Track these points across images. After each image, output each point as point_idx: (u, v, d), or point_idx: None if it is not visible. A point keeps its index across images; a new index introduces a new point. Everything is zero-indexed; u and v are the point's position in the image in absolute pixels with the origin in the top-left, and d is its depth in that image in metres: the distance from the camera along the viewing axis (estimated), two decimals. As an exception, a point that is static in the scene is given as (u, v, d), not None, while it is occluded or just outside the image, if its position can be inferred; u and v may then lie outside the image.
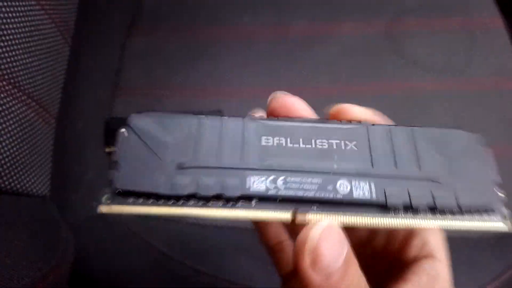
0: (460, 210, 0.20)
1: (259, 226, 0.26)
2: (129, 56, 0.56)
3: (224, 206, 0.19)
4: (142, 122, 0.21)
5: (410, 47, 0.56)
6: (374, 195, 0.19)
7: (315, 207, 0.20)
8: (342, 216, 0.19)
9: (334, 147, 0.21)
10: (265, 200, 0.20)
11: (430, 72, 0.54)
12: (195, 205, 0.19)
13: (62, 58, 0.44)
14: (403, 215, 0.20)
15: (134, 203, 0.19)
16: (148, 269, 0.44)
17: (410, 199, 0.19)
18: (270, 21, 0.57)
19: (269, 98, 0.24)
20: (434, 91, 0.53)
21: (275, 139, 0.21)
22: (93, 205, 0.19)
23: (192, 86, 0.54)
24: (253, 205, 0.20)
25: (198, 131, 0.21)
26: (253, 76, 0.54)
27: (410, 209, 0.20)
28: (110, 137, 0.51)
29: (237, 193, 0.19)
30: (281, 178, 0.20)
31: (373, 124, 0.22)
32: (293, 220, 0.20)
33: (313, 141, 0.21)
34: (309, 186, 0.20)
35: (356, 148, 0.21)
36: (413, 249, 0.23)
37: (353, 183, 0.20)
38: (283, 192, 0.19)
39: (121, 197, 0.19)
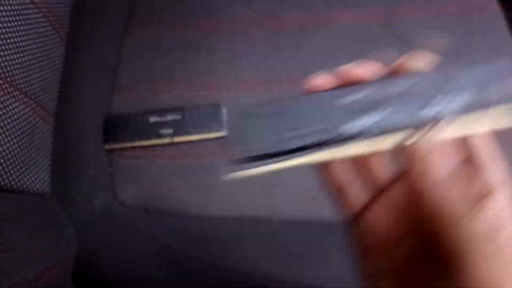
0: None
1: (326, 168, 0.27)
2: (126, 52, 0.55)
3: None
4: None
5: (408, 33, 0.55)
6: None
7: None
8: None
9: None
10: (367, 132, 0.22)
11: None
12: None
13: (58, 56, 0.44)
14: None
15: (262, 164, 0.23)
16: (153, 262, 0.45)
17: None
18: (265, 12, 0.57)
19: (309, 84, 0.26)
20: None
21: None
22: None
23: (190, 80, 0.54)
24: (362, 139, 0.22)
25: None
26: (250, 68, 0.54)
27: None
28: (110, 134, 0.51)
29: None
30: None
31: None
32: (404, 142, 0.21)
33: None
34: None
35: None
36: None
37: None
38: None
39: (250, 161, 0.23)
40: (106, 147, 0.51)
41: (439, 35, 0.55)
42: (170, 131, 0.50)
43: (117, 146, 0.51)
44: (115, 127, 0.51)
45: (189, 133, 0.50)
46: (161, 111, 0.51)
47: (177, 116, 0.51)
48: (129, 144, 0.50)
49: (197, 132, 0.50)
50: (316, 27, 0.56)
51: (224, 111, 0.51)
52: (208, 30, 0.56)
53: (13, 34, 0.36)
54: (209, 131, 0.50)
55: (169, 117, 0.51)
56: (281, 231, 0.47)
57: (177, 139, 0.50)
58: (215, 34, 0.56)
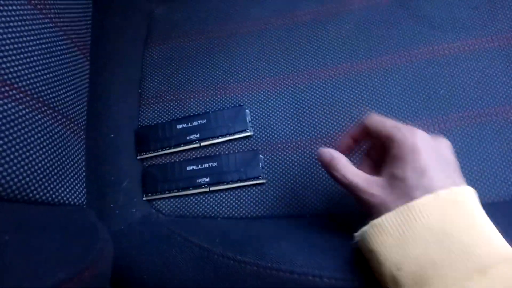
0: None
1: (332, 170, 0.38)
2: (148, 66, 0.57)
3: None
4: None
5: (426, 10, 0.54)
6: None
7: None
8: None
9: None
10: None
11: (451, 33, 0.52)
12: None
13: (83, 72, 0.46)
14: None
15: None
16: (191, 264, 0.45)
17: None
18: (278, 9, 0.57)
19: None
20: (457, 52, 0.51)
21: None
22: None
23: (212, 85, 0.55)
24: None
25: None
26: (270, 66, 0.54)
27: None
28: (141, 144, 0.53)
29: None
30: None
31: None
32: None
33: None
34: None
35: None
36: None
37: None
38: None
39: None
40: (139, 157, 0.52)
41: (459, 8, 0.53)
42: (197, 136, 0.51)
43: (149, 155, 0.52)
44: (146, 138, 0.53)
45: (215, 135, 0.51)
46: (187, 118, 0.53)
47: (203, 121, 0.52)
48: (159, 152, 0.52)
49: (223, 134, 0.51)
50: (330, 17, 0.55)
51: (247, 111, 0.51)
52: (225, 34, 0.57)
53: (37, 53, 0.38)
54: (234, 132, 0.51)
55: (195, 123, 0.52)
56: (313, 226, 0.46)
57: (204, 142, 0.51)
58: (232, 38, 0.57)
